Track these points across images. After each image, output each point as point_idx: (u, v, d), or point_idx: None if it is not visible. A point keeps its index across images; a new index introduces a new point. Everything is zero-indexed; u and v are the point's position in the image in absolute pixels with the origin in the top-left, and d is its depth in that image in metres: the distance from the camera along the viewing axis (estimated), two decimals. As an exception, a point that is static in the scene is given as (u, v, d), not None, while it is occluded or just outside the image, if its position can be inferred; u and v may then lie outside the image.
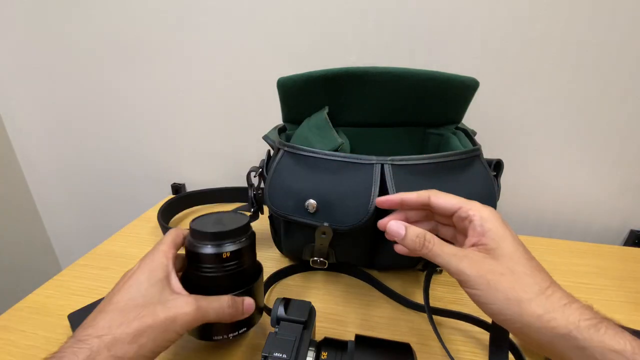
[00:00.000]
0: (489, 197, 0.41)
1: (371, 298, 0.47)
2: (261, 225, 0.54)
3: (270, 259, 0.53)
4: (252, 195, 0.49)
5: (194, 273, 0.33)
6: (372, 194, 0.39)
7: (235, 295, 0.33)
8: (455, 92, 0.47)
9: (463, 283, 0.27)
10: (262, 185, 0.50)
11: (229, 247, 0.33)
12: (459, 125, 0.52)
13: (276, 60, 0.64)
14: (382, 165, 0.39)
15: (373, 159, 0.40)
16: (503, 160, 0.44)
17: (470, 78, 0.46)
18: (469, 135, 0.48)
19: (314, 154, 0.41)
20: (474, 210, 0.29)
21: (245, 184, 0.50)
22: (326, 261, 0.46)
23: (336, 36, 0.60)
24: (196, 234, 0.33)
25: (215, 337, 0.35)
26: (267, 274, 0.47)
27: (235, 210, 0.44)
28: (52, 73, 0.74)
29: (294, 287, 0.49)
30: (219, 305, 0.31)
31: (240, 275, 0.34)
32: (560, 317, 0.23)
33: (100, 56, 0.70)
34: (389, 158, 0.40)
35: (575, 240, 0.60)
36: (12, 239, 0.86)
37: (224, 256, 0.33)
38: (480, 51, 0.58)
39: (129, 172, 0.83)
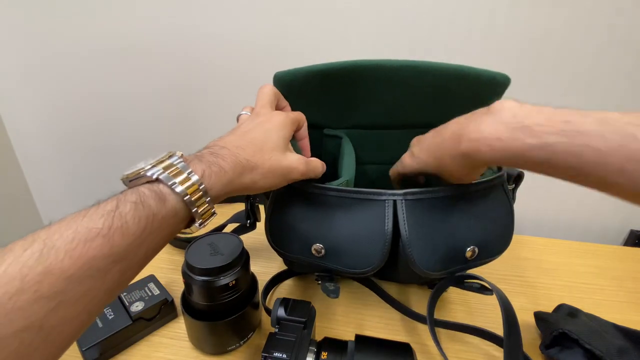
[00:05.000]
0: (505, 235, 0.38)
1: (372, 298, 0.47)
2: (262, 225, 0.54)
3: (271, 259, 0.53)
4: (249, 207, 0.45)
5: (207, 302, 0.36)
6: (386, 237, 0.34)
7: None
8: (484, 90, 0.41)
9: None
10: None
11: (233, 276, 0.35)
12: None
13: (276, 57, 0.64)
14: (395, 202, 0.35)
15: (384, 193, 0.35)
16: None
17: (501, 74, 0.40)
18: None
19: (320, 189, 0.36)
20: (403, 170, 0.38)
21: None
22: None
23: (338, 30, 0.60)
24: (203, 271, 0.35)
25: (229, 348, 0.38)
26: (268, 275, 0.47)
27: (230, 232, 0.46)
28: (52, 73, 0.74)
29: (294, 288, 0.49)
30: (318, 165, 0.36)
31: (240, 296, 0.37)
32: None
33: (101, 56, 0.70)
34: (402, 192, 0.35)
35: (575, 240, 0.60)
36: (12, 240, 0.86)
37: (231, 284, 0.35)
38: (480, 50, 0.58)
39: (129, 173, 0.83)
